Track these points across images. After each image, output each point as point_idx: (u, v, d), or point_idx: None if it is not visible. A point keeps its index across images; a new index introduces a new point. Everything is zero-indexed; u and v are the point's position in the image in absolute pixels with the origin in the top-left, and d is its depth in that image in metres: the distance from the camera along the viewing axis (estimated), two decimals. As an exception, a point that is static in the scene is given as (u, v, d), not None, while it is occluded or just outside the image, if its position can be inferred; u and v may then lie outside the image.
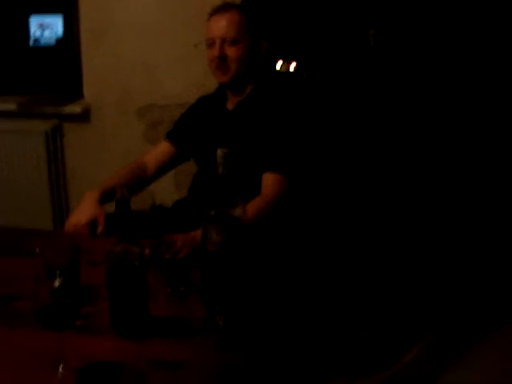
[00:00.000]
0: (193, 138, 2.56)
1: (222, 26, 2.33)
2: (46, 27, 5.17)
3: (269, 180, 2.23)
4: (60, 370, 1.37)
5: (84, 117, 3.77)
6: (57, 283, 1.53)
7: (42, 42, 5.16)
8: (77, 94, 3.83)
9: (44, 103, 3.77)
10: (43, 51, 4.95)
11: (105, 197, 2.28)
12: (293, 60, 4.81)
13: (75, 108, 3.72)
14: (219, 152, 1.49)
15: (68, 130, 3.85)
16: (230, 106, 2.49)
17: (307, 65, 4.59)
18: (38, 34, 5.14)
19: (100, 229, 2.15)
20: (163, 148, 2.61)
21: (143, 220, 1.95)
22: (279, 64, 4.94)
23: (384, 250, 3.60)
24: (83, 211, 2.22)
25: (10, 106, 3.77)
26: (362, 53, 4.16)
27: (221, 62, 2.33)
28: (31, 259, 1.64)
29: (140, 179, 2.54)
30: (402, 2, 4.04)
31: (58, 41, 4.78)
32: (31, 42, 5.06)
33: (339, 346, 2.74)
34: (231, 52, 2.32)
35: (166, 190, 3.21)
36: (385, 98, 4.06)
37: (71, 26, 3.86)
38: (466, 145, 4.04)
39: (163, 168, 2.62)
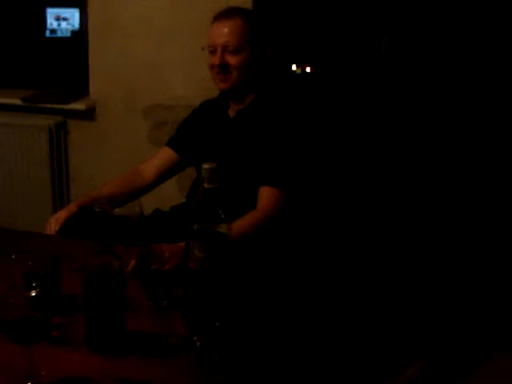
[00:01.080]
0: (194, 143, 2.49)
1: (223, 33, 2.25)
2: (63, 19, 5.17)
3: (265, 193, 2.16)
4: (28, 384, 1.32)
5: (89, 114, 3.73)
6: (33, 293, 1.48)
7: (59, 33, 5.16)
8: (83, 90, 3.78)
9: (49, 99, 3.72)
10: (58, 42, 4.95)
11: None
12: (307, 64, 4.80)
13: (80, 105, 3.67)
14: (205, 166, 1.43)
15: (72, 126, 3.81)
16: (231, 112, 2.42)
17: (321, 68, 4.55)
18: (54, 25, 5.14)
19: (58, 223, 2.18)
20: (164, 154, 2.54)
21: (130, 227, 1.91)
22: (294, 66, 4.92)
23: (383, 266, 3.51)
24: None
25: (15, 100, 3.73)
26: (373, 60, 4.10)
27: (221, 69, 2.26)
28: (7, 262, 1.61)
29: (135, 187, 2.47)
30: (414, 9, 3.97)
31: (74, 33, 4.78)
32: (47, 33, 5.06)
33: (332, 362, 2.67)
34: (233, 60, 2.25)
35: (168, 194, 3.14)
36: (394, 105, 4.00)
37: (85, 20, 3.81)
38: (469, 147, 3.97)
39: (164, 175, 2.55)
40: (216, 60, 2.26)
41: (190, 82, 3.51)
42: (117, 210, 1.84)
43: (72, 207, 2.23)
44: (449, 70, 3.99)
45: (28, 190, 3.78)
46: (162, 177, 2.53)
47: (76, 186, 3.90)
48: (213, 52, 2.29)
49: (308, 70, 4.97)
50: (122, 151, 3.74)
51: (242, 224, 2.04)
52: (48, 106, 3.71)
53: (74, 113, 3.73)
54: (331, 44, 4.37)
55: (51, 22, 5.14)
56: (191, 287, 1.50)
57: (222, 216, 1.46)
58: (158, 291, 1.69)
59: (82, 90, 3.78)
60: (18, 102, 3.72)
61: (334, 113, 3.86)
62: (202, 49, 2.37)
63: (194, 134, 2.51)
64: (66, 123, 3.80)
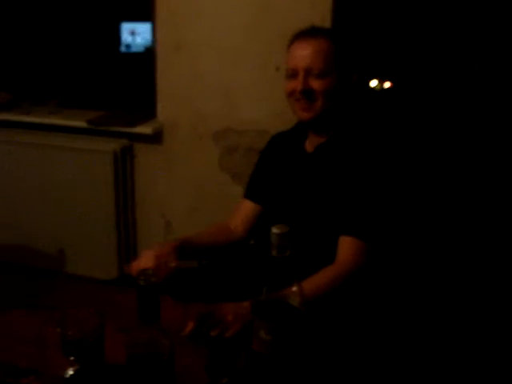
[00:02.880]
0: (271, 187, 2.22)
1: (307, 54, 1.97)
2: (137, 34, 5.08)
3: (347, 245, 1.86)
4: None
5: (156, 138, 3.52)
6: (70, 372, 1.26)
7: (133, 48, 5.08)
8: (151, 112, 3.58)
9: (115, 121, 3.53)
10: (132, 58, 4.86)
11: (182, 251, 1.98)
12: (387, 79, 4.55)
13: (147, 128, 3.46)
14: (275, 230, 1.16)
15: (139, 150, 3.61)
16: (308, 147, 2.12)
17: (402, 85, 4.30)
18: (129, 40, 5.06)
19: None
20: (246, 208, 2.26)
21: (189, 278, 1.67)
22: (373, 82, 4.67)
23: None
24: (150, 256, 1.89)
25: (80, 122, 3.55)
26: (465, 78, 3.77)
27: (304, 96, 1.98)
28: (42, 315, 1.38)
29: (228, 241, 2.22)
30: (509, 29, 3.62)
31: (148, 49, 4.68)
32: (123, 48, 4.99)
33: None
34: (318, 85, 1.96)
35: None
36: (489, 130, 3.63)
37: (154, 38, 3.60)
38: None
39: (255, 227, 2.25)
40: (298, 85, 1.97)
41: (262, 106, 3.25)
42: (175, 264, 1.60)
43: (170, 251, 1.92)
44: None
45: (92, 215, 3.61)
46: (253, 229, 2.24)
47: (142, 212, 3.71)
48: (293, 76, 2.00)
49: (387, 85, 4.69)
50: (191, 177, 3.52)
51: (318, 281, 1.76)
52: (113, 128, 3.52)
53: (140, 136, 3.53)
54: (416, 59, 4.07)
55: (126, 37, 5.07)
56: (255, 371, 1.23)
57: (294, 288, 1.20)
58: (218, 365, 1.43)
59: (150, 113, 3.58)
60: (83, 124, 3.54)
61: (420, 140, 3.53)
62: (277, 69, 2.11)
63: (269, 177, 2.23)
64: (132, 147, 3.61)
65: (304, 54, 1.99)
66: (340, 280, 1.80)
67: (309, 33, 2.03)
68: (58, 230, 3.69)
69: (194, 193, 3.56)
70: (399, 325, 2.13)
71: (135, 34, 5.11)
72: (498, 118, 3.65)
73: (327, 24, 2.96)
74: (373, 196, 1.91)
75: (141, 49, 5.06)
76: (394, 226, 1.97)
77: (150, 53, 3.91)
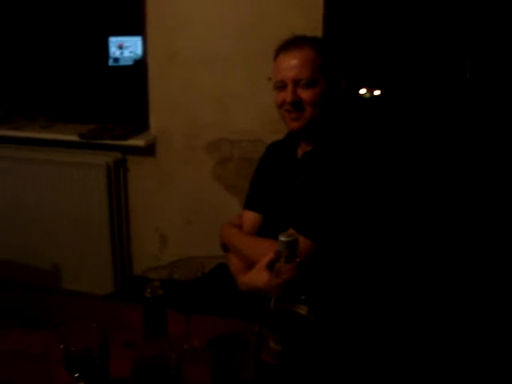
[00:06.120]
0: (267, 193, 2.22)
1: (294, 65, 1.97)
2: (126, 48, 5.08)
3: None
4: None
5: (149, 150, 3.50)
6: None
7: (122, 62, 5.08)
8: (143, 124, 3.56)
9: (107, 134, 3.50)
10: (121, 71, 4.85)
11: None
12: (376, 87, 4.56)
13: (140, 141, 3.44)
14: (283, 238, 1.15)
15: (132, 163, 3.59)
16: (300, 152, 2.14)
17: (392, 93, 4.30)
18: (117, 54, 5.06)
19: None
20: (249, 220, 2.23)
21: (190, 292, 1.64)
22: (363, 90, 4.68)
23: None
24: None
25: (72, 136, 3.52)
26: (457, 83, 3.76)
27: (293, 107, 1.98)
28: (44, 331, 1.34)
29: None
30: (502, 33, 3.62)
31: (137, 62, 4.68)
32: (111, 62, 4.99)
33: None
34: (306, 95, 1.97)
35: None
36: (481, 139, 3.62)
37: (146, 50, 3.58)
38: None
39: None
40: (288, 96, 1.98)
41: (255, 115, 3.25)
42: (176, 275, 1.57)
43: None
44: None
45: (86, 230, 3.58)
46: None
47: (136, 226, 3.68)
48: (281, 88, 2.02)
49: (377, 93, 4.70)
50: (185, 189, 3.50)
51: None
52: (105, 142, 3.49)
53: (133, 149, 3.51)
54: (406, 66, 4.08)
55: (114, 51, 5.06)
56: (264, 383, 1.21)
57: (303, 297, 1.18)
58: (225, 377, 1.40)
59: (142, 125, 3.55)
60: (75, 138, 3.51)
61: (412, 146, 3.51)
62: (270, 79, 2.11)
63: (266, 185, 2.23)
64: (125, 160, 3.58)
65: (291, 64, 1.99)
66: None
67: (293, 43, 2.04)
68: (51, 246, 3.65)
69: (188, 204, 3.53)
70: (405, 329, 2.11)
71: (123, 48, 5.11)
72: (491, 124, 3.64)
73: (318, 32, 2.95)
74: (335, 201, 1.91)
75: (129, 62, 5.07)
76: (359, 232, 1.95)
77: (139, 65, 3.90)
